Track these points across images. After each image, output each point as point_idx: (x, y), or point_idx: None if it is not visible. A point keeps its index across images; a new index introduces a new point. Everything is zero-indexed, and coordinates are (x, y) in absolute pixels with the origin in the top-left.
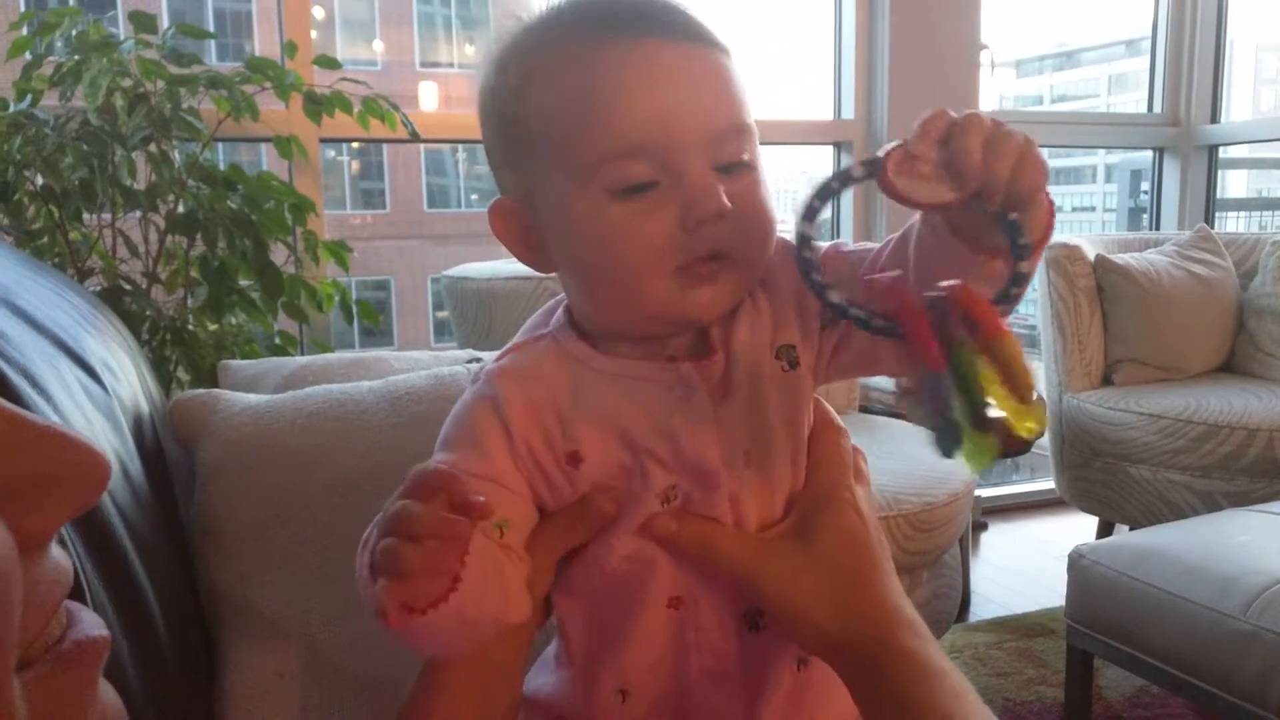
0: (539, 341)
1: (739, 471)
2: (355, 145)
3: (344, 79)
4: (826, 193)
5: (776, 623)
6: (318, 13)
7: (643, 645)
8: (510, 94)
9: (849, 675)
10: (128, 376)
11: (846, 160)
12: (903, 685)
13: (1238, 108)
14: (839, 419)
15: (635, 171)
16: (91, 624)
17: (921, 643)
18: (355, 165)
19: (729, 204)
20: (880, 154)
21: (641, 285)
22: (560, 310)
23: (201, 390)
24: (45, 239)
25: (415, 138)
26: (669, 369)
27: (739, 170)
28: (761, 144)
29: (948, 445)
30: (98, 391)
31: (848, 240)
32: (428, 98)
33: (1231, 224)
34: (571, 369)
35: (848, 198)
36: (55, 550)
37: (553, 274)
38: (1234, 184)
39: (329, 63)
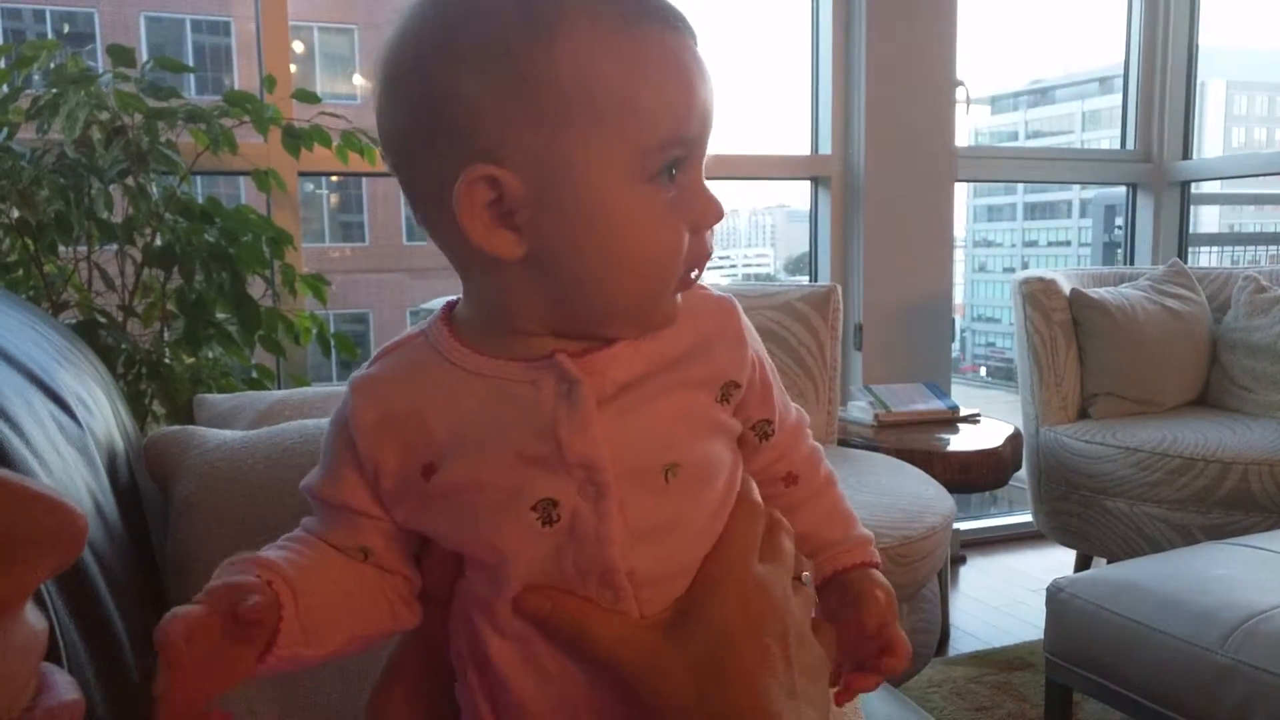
0: (412, 340)
1: (630, 475)
2: (334, 179)
3: (323, 113)
4: None
5: (644, 716)
6: (297, 47)
7: (548, 690)
8: (537, 39)
9: None
10: (102, 410)
11: (824, 196)
12: None
13: (1209, 144)
14: (758, 496)
15: (669, 156)
16: (65, 687)
17: None
18: (334, 198)
19: None
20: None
21: (664, 279)
22: (437, 313)
23: (176, 426)
24: (20, 272)
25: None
26: (545, 365)
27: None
28: (742, 179)
29: None
30: (71, 426)
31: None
32: None
33: (1204, 259)
34: (442, 373)
35: (824, 228)
36: (30, 613)
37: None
38: (1206, 219)
39: (308, 97)
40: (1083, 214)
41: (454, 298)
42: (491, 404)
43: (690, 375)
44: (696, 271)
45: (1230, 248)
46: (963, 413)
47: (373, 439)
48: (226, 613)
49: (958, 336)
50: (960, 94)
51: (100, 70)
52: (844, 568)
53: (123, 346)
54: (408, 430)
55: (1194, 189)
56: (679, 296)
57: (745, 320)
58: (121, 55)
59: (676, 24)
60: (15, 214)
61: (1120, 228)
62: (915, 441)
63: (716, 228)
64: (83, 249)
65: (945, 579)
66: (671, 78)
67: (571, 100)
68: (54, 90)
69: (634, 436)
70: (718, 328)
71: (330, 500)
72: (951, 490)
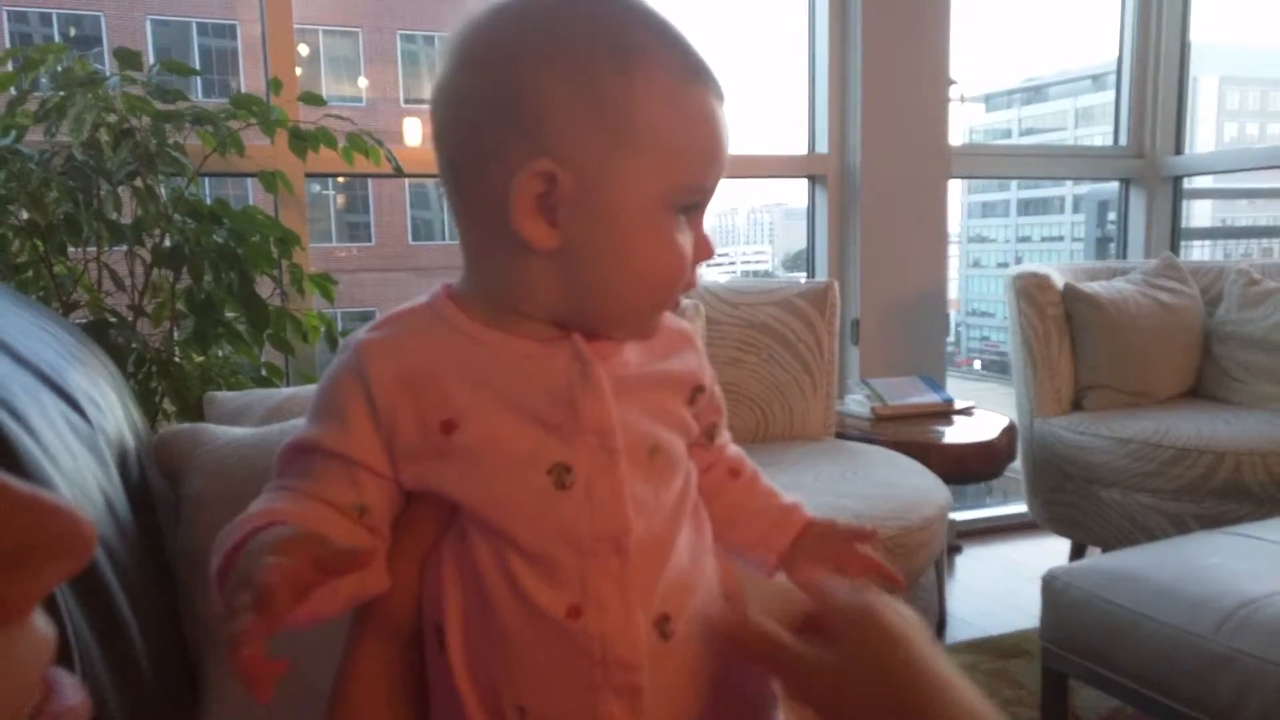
0: (415, 312)
1: (629, 448)
2: (340, 180)
3: (329, 115)
4: None
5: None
6: (303, 50)
7: (537, 659)
8: (621, 71)
9: None
10: (112, 409)
11: (821, 194)
12: None
13: (1202, 140)
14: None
15: (693, 197)
16: (71, 692)
17: None
18: (340, 199)
19: None
20: None
21: (665, 295)
22: (438, 293)
23: (186, 424)
24: (30, 273)
25: (399, 172)
26: (562, 344)
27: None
28: (739, 178)
29: None
30: (82, 425)
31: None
32: (412, 133)
33: (1196, 253)
34: (454, 340)
35: (821, 225)
36: (38, 619)
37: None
38: (1198, 214)
39: (314, 99)
40: (1076, 209)
41: (449, 282)
42: (508, 370)
43: (669, 375)
44: (688, 291)
45: (1223, 242)
46: (958, 405)
47: (392, 394)
48: (310, 561)
49: (953, 331)
50: (955, 92)
51: (107, 73)
52: (799, 532)
53: (133, 346)
54: (426, 389)
55: (1186, 184)
56: (663, 315)
57: (699, 342)
58: (128, 58)
59: (718, 90)
60: (25, 216)
61: (1113, 223)
62: (912, 434)
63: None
64: (92, 250)
65: (942, 568)
66: (710, 134)
67: (636, 127)
68: (61, 93)
69: (628, 417)
70: (686, 343)
71: (335, 450)
72: (947, 481)
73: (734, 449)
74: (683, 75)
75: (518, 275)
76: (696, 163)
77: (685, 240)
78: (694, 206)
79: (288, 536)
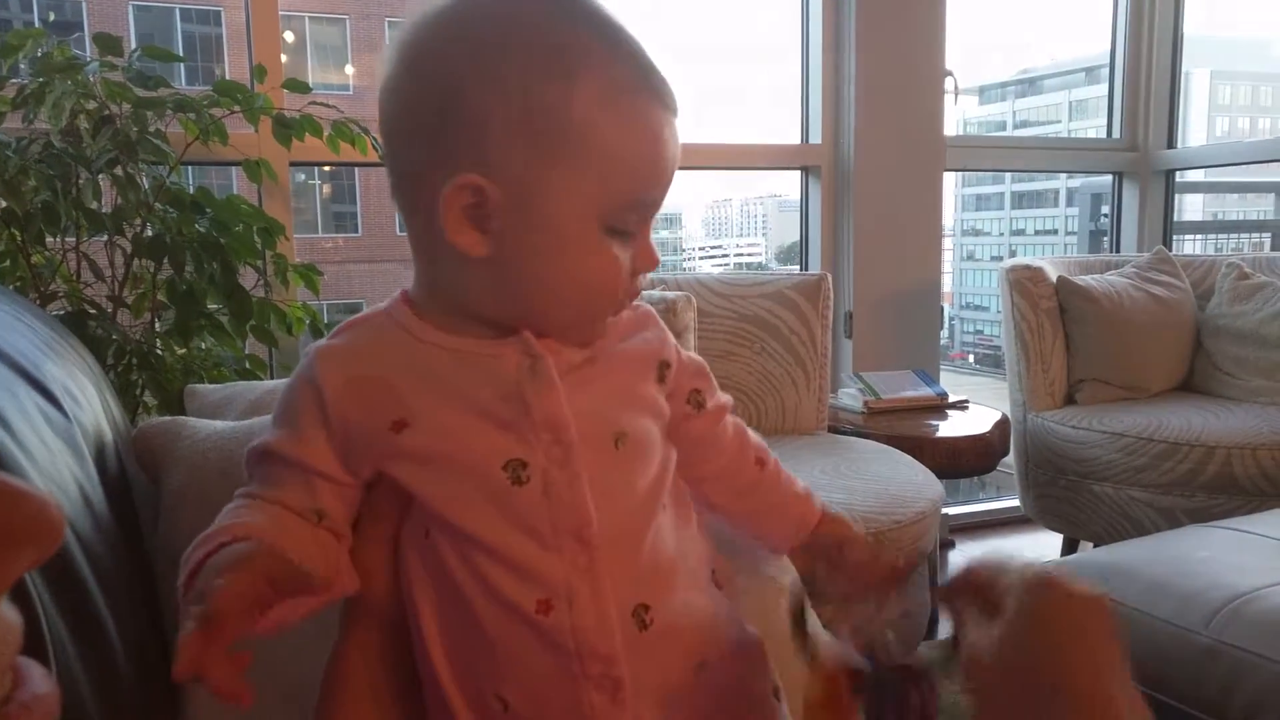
0: (372, 318)
1: (587, 440)
2: (326, 169)
3: (314, 103)
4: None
5: None
6: (288, 37)
7: (514, 652)
8: (557, 80)
9: None
10: (90, 402)
11: (814, 185)
12: None
13: (1194, 134)
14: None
15: (632, 219)
16: (40, 681)
17: None
18: (326, 189)
19: None
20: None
21: (599, 309)
22: (395, 298)
23: (166, 417)
24: (7, 262)
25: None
26: (513, 341)
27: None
28: (731, 168)
29: None
30: (58, 418)
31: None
32: None
33: (1189, 246)
34: (406, 343)
35: (815, 217)
36: (5, 608)
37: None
38: (1190, 208)
39: (298, 86)
40: (1069, 202)
41: (407, 287)
42: (458, 371)
43: (631, 354)
44: (629, 301)
45: (1214, 235)
46: (951, 399)
47: (341, 397)
48: (264, 578)
49: (946, 324)
50: (949, 84)
51: (87, 59)
52: (819, 523)
53: (113, 337)
54: (376, 392)
55: (1178, 178)
56: (607, 323)
57: (658, 319)
58: (109, 44)
59: (666, 101)
60: (2, 204)
61: (1106, 216)
62: (905, 428)
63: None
64: (71, 239)
65: (935, 563)
66: (652, 148)
67: (570, 139)
68: (40, 79)
69: (589, 407)
70: (645, 322)
71: (291, 458)
72: (940, 476)
73: (754, 434)
74: (627, 86)
75: (458, 279)
76: (636, 177)
77: (621, 252)
78: (637, 220)
79: (245, 554)
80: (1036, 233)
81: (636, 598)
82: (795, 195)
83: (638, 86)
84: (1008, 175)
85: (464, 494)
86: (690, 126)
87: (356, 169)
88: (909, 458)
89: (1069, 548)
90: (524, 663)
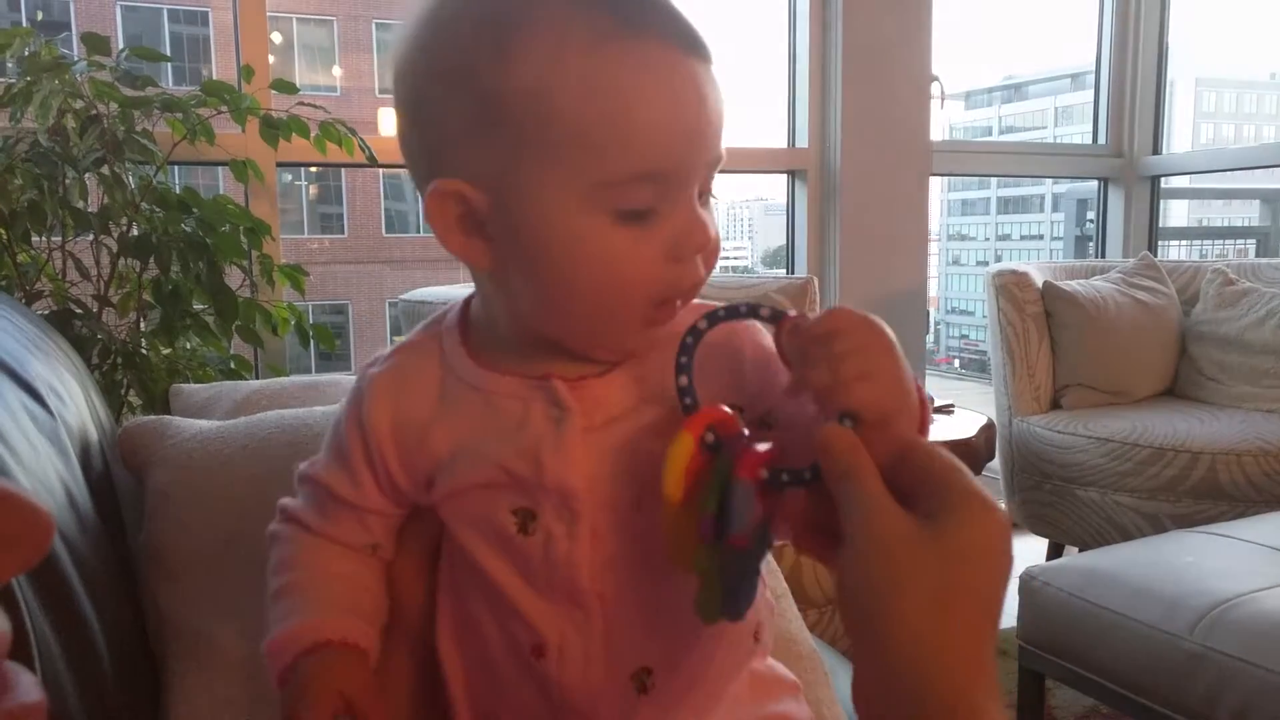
0: (428, 341)
1: (604, 504)
2: (313, 170)
3: (301, 103)
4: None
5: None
6: (276, 38)
7: (517, 687)
8: (496, 62)
9: None
10: (75, 400)
11: (800, 189)
12: None
13: (1179, 140)
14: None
15: (644, 196)
16: (28, 688)
17: None
18: (313, 190)
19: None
20: (789, 312)
21: (621, 312)
22: (456, 308)
23: (151, 416)
24: None
25: (373, 162)
26: (539, 386)
27: (705, 201)
28: (718, 171)
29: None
30: (43, 416)
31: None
32: (387, 122)
33: (1174, 252)
34: (447, 383)
35: (801, 221)
36: None
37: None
38: (1175, 214)
39: (286, 87)
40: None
41: (473, 292)
42: (485, 419)
43: (667, 413)
44: (681, 301)
45: (1199, 242)
46: (937, 404)
47: (385, 443)
48: (341, 700)
49: (931, 328)
50: (935, 89)
51: (75, 58)
52: None
53: (98, 337)
54: (412, 442)
55: (1164, 184)
56: (657, 329)
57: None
58: (96, 43)
59: (668, 39)
60: None
61: (1092, 221)
62: None
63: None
64: (57, 238)
65: None
66: (643, 108)
67: (525, 125)
68: (27, 78)
69: (612, 469)
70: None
71: (343, 497)
72: None
73: None
74: (590, 40)
75: (486, 296)
76: (629, 145)
77: (644, 237)
78: (658, 198)
79: (324, 681)
80: (1022, 238)
81: (639, 661)
82: (781, 199)
83: (609, 31)
84: (993, 180)
85: (477, 533)
86: None
87: (343, 170)
88: None
89: (1054, 552)
90: (521, 699)
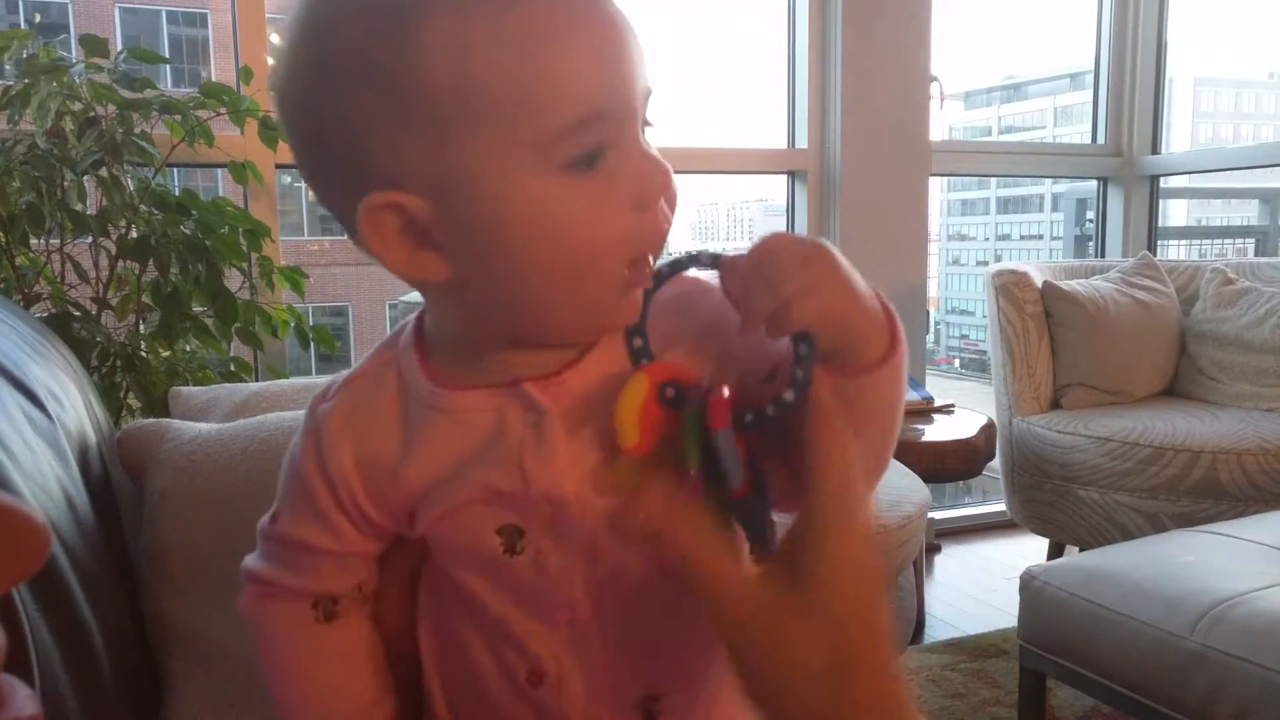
0: (382, 369)
1: (598, 513)
2: None
3: None
4: (659, 276)
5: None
6: (275, 39)
7: (510, 713)
8: (400, 48)
9: None
10: (74, 403)
11: (800, 190)
12: None
13: (1177, 139)
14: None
15: (588, 138)
16: (24, 702)
17: None
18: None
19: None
20: (725, 253)
21: (598, 275)
22: (409, 328)
23: (150, 419)
24: None
25: None
26: (510, 393)
27: (648, 135)
28: (718, 172)
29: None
30: (41, 419)
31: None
32: None
33: (1173, 252)
34: (409, 409)
35: (800, 221)
36: None
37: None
38: (1174, 213)
39: None
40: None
41: (422, 313)
42: (459, 443)
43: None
44: (652, 256)
45: (1198, 241)
46: (937, 403)
47: (352, 483)
48: None
49: (932, 328)
50: (935, 89)
51: (73, 61)
52: None
53: (97, 339)
54: (382, 480)
55: (1163, 183)
56: (636, 292)
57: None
58: (94, 46)
59: None
60: None
61: (1091, 221)
62: None
63: (667, 200)
64: (55, 241)
65: (920, 567)
66: (568, 50)
67: (447, 102)
68: (25, 81)
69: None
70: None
71: (322, 549)
72: (926, 480)
73: None
74: None
75: (445, 313)
76: (560, 99)
77: (600, 195)
78: (604, 142)
79: None
80: (1022, 238)
81: (645, 688)
82: (781, 199)
83: None
84: (993, 180)
85: (463, 558)
86: (677, 131)
87: None
88: (895, 461)
89: (1055, 552)
90: None
